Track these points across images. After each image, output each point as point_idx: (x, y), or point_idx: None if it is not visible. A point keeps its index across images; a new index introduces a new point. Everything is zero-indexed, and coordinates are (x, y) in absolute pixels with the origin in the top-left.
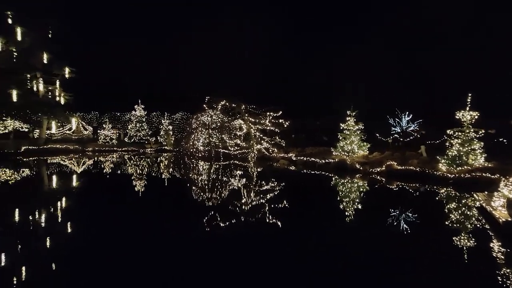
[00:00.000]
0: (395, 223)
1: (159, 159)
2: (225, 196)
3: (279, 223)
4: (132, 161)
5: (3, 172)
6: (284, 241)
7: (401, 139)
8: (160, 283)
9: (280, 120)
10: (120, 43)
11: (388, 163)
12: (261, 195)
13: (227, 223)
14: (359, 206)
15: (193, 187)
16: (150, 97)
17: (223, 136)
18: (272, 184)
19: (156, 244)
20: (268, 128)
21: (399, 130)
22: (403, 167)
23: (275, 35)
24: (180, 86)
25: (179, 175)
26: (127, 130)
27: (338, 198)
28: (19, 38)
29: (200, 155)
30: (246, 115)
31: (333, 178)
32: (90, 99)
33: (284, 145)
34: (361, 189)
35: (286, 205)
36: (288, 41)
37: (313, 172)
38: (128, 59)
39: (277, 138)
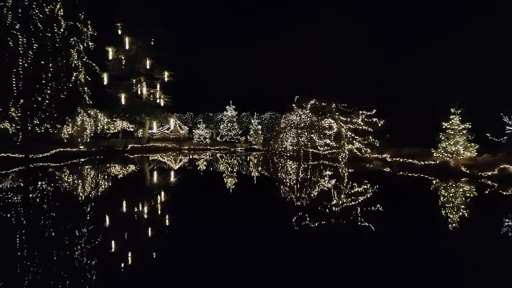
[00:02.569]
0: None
1: (248, 157)
2: (314, 197)
3: (372, 228)
4: (223, 159)
5: (114, 167)
6: (377, 248)
7: None
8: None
9: (374, 119)
10: (212, 46)
11: (502, 166)
12: (353, 197)
13: (317, 224)
14: (466, 214)
15: (282, 186)
16: (241, 98)
17: (312, 135)
18: (365, 186)
19: (248, 241)
20: (361, 127)
21: None
22: None
23: (366, 30)
24: (269, 86)
25: (268, 173)
26: (219, 130)
27: (440, 203)
28: (127, 47)
29: (288, 154)
30: (337, 114)
31: (434, 182)
32: (186, 101)
33: (378, 145)
34: (468, 195)
35: (381, 209)
36: (379, 36)
37: (410, 174)
38: (219, 62)
39: (370, 137)
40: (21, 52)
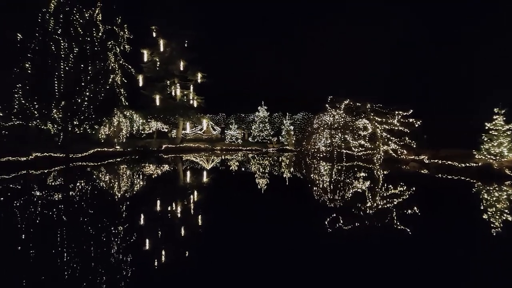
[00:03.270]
0: None
1: (280, 158)
2: (348, 199)
3: (411, 233)
4: (255, 160)
5: (149, 167)
6: (417, 255)
7: None
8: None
9: (410, 120)
10: (245, 46)
11: None
12: (389, 200)
13: (351, 227)
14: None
15: (315, 188)
16: (273, 98)
17: (346, 136)
18: (401, 189)
19: (282, 243)
20: (397, 128)
21: None
22: None
23: (401, 28)
24: (302, 86)
25: (301, 174)
26: (251, 130)
27: (483, 208)
28: (161, 49)
29: (321, 155)
30: (372, 114)
31: (476, 185)
32: (218, 102)
33: (414, 146)
34: None
35: (419, 213)
36: (415, 34)
37: (449, 177)
38: (252, 62)
39: (407, 138)
40: (63, 56)
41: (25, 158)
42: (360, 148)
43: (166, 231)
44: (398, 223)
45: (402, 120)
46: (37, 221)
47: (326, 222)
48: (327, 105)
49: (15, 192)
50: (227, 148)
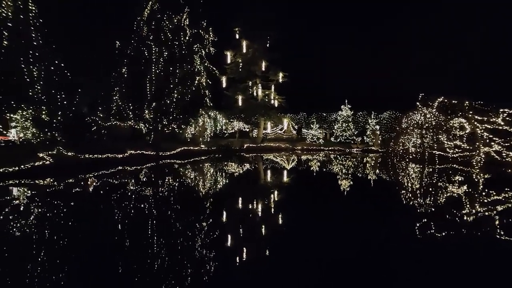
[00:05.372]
0: None
1: (365, 159)
2: (444, 206)
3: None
4: (338, 160)
5: (231, 165)
6: None
7: None
8: None
9: None
10: (327, 44)
11: None
12: (492, 207)
13: (444, 233)
14: None
15: (405, 192)
16: (357, 97)
17: (439, 136)
18: (506, 195)
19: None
20: (501, 127)
21: None
22: None
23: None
24: (389, 83)
25: (389, 177)
26: (333, 130)
27: None
28: (244, 50)
29: (410, 157)
30: (470, 112)
31: None
32: (299, 101)
33: None
34: None
35: None
36: None
37: None
38: (334, 60)
39: None
40: (154, 60)
41: (121, 155)
42: (456, 150)
43: (252, 226)
44: (503, 235)
45: (508, 118)
46: (139, 212)
47: (417, 230)
48: (417, 103)
49: (115, 185)
50: (308, 148)
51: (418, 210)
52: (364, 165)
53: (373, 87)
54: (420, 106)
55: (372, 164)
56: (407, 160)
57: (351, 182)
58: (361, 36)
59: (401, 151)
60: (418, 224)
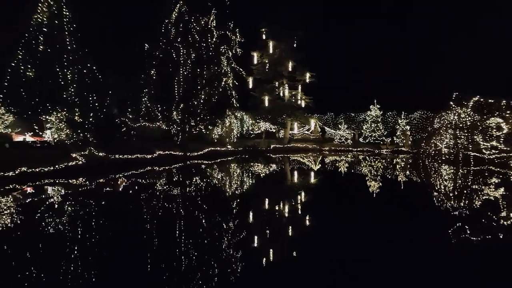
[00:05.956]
0: None
1: (395, 160)
2: (477, 208)
3: None
4: (367, 162)
5: (258, 166)
6: None
7: None
8: None
9: None
10: (353, 43)
11: None
12: None
13: (480, 238)
14: None
15: (436, 194)
16: (386, 96)
17: (474, 137)
18: None
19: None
20: None
21: None
22: None
23: None
24: (420, 82)
25: (420, 179)
26: (362, 131)
27: None
28: (270, 51)
29: (443, 158)
30: (508, 112)
31: None
32: (327, 101)
33: None
34: None
35: None
36: None
37: None
38: (362, 59)
39: None
40: (182, 62)
41: (150, 156)
42: (492, 151)
43: (279, 228)
44: None
45: None
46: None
47: (451, 235)
48: (451, 103)
49: (145, 185)
50: (336, 148)
51: (452, 213)
52: (394, 166)
53: (402, 86)
54: (454, 105)
55: (403, 165)
56: (440, 161)
57: (381, 184)
58: (390, 34)
59: (433, 152)
60: (453, 229)
